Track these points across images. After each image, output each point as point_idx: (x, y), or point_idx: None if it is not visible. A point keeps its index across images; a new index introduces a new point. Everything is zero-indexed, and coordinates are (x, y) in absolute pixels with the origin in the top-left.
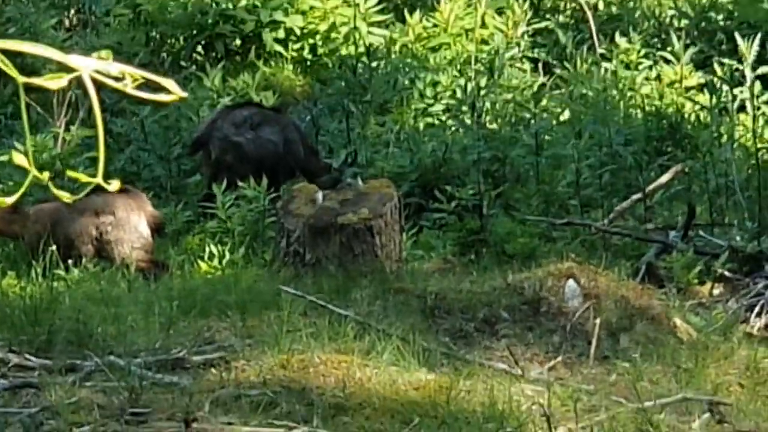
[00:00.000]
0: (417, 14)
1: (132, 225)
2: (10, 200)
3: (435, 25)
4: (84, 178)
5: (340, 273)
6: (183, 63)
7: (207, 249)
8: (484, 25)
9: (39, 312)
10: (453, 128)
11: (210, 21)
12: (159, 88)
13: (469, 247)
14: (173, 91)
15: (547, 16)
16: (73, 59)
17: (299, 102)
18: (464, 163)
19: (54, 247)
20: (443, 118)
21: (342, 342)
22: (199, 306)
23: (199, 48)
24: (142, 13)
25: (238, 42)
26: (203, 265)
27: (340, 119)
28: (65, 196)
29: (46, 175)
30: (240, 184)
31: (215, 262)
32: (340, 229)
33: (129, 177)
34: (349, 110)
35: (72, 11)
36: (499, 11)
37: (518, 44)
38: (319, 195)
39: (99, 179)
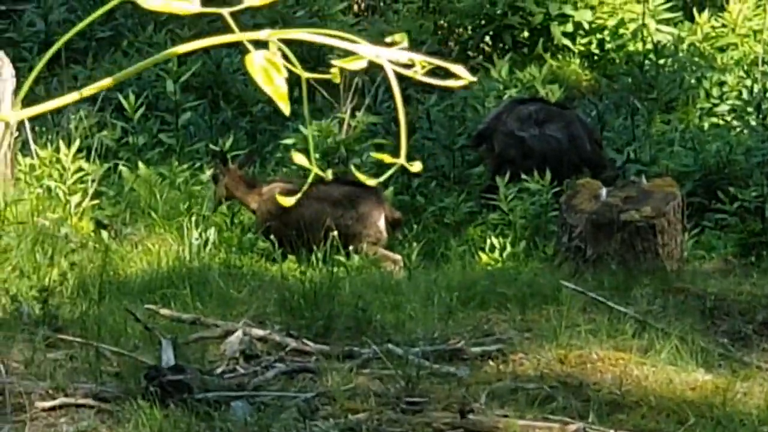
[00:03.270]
0: (706, 13)
1: (373, 221)
2: (291, 201)
3: (723, 25)
4: (388, 159)
5: (620, 270)
6: (470, 53)
7: (488, 241)
8: None
9: (319, 297)
10: (738, 129)
11: (499, 12)
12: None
13: (751, 248)
14: (462, 76)
15: None
16: (362, 49)
17: (585, 96)
18: (748, 164)
19: (335, 233)
20: (728, 118)
21: (620, 339)
22: (478, 297)
23: (487, 38)
24: (431, 1)
25: (525, 34)
26: (484, 257)
27: (625, 116)
28: (367, 180)
29: (329, 173)
30: (523, 177)
31: (496, 254)
32: (623, 226)
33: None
34: (635, 107)
35: None
36: None
37: None
38: (603, 191)
39: (402, 160)
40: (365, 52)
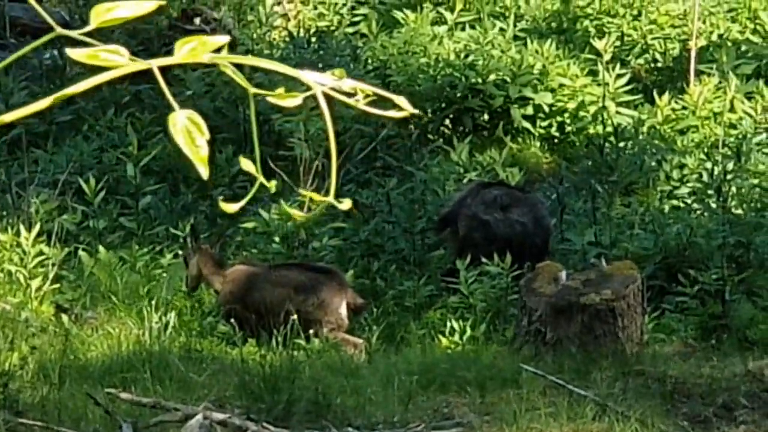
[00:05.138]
0: (666, 96)
1: (334, 308)
2: (235, 207)
3: (684, 108)
4: (316, 197)
5: (580, 353)
6: (430, 136)
7: (448, 324)
8: (732, 109)
9: (279, 381)
10: (698, 212)
11: (459, 95)
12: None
13: (711, 331)
14: (405, 107)
15: None
16: (305, 75)
17: (545, 179)
18: (708, 247)
19: (294, 317)
20: (689, 201)
21: (580, 422)
22: (438, 381)
23: (447, 121)
24: (391, 84)
25: (486, 117)
26: (444, 340)
27: (585, 198)
28: (298, 214)
29: (273, 184)
30: (483, 260)
31: (456, 337)
32: (582, 309)
33: (372, 249)
34: (595, 190)
35: None
36: (749, 96)
37: (766, 129)
38: (563, 274)
39: (331, 198)
40: (310, 78)
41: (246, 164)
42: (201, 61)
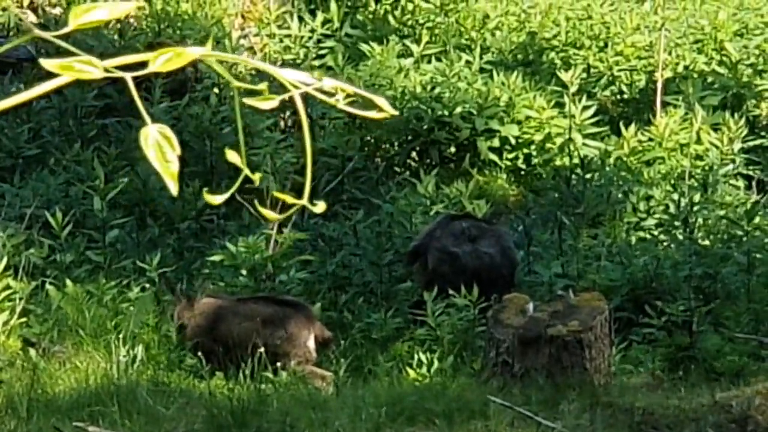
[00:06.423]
0: (632, 127)
1: (302, 341)
2: (220, 199)
3: (650, 139)
4: (290, 199)
5: (548, 385)
6: (397, 168)
7: (416, 356)
8: (699, 141)
9: (246, 414)
10: (665, 243)
11: (425, 127)
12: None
13: (678, 363)
14: (384, 108)
15: (763, 133)
16: (286, 73)
17: (511, 211)
18: (675, 278)
19: (262, 350)
20: (655, 232)
21: None
22: (406, 413)
23: (414, 154)
24: (357, 117)
25: (452, 149)
26: (411, 372)
27: (552, 230)
28: (272, 215)
29: (257, 176)
30: (451, 292)
31: (423, 369)
32: (550, 341)
33: (339, 281)
34: (562, 222)
35: (288, 113)
36: (715, 127)
37: (733, 161)
38: (530, 305)
39: (305, 201)
40: (289, 77)
41: (231, 156)
42: (189, 59)
